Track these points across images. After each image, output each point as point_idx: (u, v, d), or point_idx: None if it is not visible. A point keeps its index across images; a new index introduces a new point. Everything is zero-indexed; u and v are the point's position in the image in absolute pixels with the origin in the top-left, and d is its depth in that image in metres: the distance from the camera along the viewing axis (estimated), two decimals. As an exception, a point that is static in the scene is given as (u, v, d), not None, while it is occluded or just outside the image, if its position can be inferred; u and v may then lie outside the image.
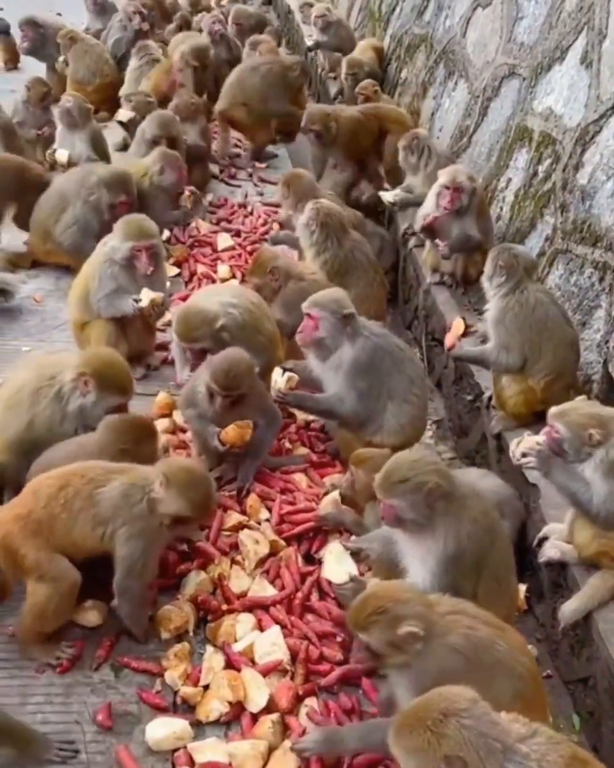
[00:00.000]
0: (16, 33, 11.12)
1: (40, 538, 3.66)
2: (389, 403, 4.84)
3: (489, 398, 5.29)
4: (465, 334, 5.74)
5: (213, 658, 3.74)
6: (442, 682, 2.85)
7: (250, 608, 4.00)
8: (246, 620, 3.95)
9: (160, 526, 3.73)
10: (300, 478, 4.83)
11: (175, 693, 3.62)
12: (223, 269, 7.01)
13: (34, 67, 10.69)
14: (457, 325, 5.29)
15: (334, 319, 4.77)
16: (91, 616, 3.86)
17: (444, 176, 6.22)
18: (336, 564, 4.07)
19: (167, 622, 3.89)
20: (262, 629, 3.89)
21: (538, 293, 4.98)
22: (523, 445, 4.01)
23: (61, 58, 10.24)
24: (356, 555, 4.03)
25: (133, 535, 3.69)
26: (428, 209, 6.33)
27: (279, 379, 4.87)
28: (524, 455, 3.98)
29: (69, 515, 3.67)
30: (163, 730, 3.41)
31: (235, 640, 3.85)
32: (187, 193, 7.35)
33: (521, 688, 3.10)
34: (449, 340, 5.29)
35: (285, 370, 4.93)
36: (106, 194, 6.55)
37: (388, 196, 7.45)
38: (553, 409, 3.98)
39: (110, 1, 11.78)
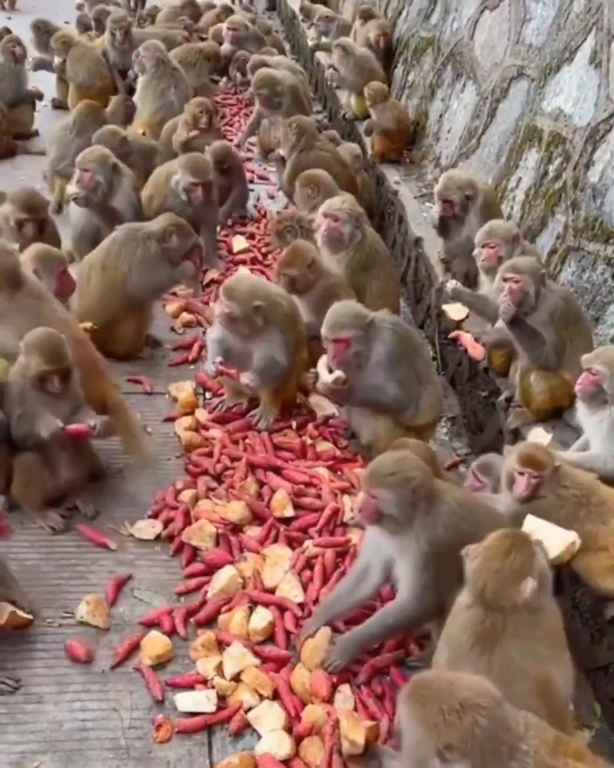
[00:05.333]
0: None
1: None
2: (421, 384, 4.97)
3: (508, 398, 5.35)
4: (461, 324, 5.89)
5: (239, 651, 3.78)
6: None
7: (267, 604, 4.05)
8: (263, 613, 3.98)
9: None
10: (324, 472, 4.88)
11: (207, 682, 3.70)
12: (239, 242, 7.48)
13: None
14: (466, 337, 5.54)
15: (364, 333, 4.82)
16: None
17: (438, 184, 6.28)
18: None
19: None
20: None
21: (561, 287, 5.10)
22: None
23: (57, 60, 9.94)
24: None
25: None
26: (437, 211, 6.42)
27: (325, 374, 4.86)
28: None
29: None
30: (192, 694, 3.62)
31: (249, 632, 3.90)
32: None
33: None
34: (476, 353, 5.53)
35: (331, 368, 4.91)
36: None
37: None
38: (586, 356, 4.40)
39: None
